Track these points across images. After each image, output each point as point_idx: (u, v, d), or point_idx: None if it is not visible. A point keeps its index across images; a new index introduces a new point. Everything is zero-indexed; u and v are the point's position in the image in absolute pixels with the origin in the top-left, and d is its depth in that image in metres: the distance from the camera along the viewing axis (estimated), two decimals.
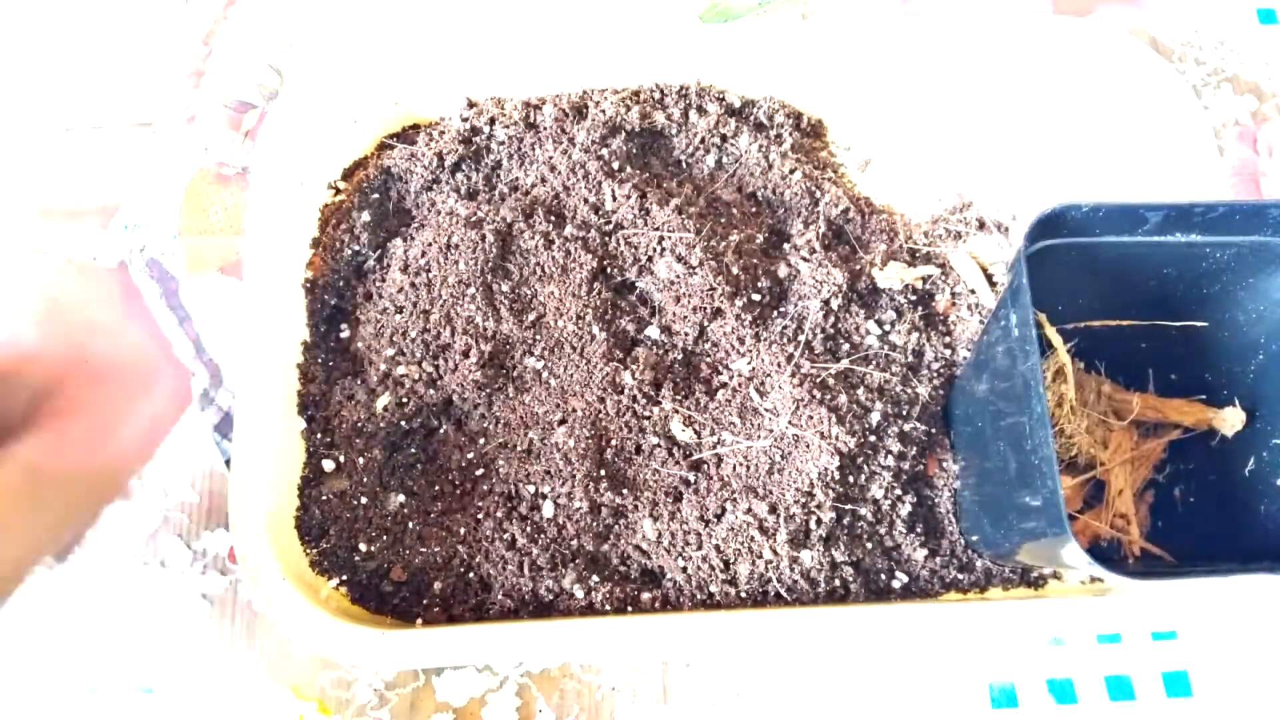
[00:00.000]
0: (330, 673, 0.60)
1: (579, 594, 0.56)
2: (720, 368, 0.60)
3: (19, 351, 0.64)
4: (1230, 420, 0.56)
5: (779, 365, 0.58)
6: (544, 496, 0.58)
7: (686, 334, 0.60)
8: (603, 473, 0.57)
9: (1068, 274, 0.52)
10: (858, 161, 0.68)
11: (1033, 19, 0.67)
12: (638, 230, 0.61)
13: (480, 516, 0.58)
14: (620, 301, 0.61)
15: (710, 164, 0.66)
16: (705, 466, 0.58)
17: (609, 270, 0.61)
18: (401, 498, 0.59)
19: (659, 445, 0.58)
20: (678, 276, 0.60)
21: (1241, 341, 0.55)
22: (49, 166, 0.70)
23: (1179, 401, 0.59)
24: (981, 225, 0.64)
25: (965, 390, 0.58)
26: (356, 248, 0.63)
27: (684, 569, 0.56)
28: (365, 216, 0.64)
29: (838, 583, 0.56)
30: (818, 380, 0.58)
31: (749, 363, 0.59)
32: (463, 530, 0.58)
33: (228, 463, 0.62)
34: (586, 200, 0.62)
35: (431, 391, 0.59)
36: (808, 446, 0.56)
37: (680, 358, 0.60)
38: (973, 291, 0.62)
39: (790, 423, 0.57)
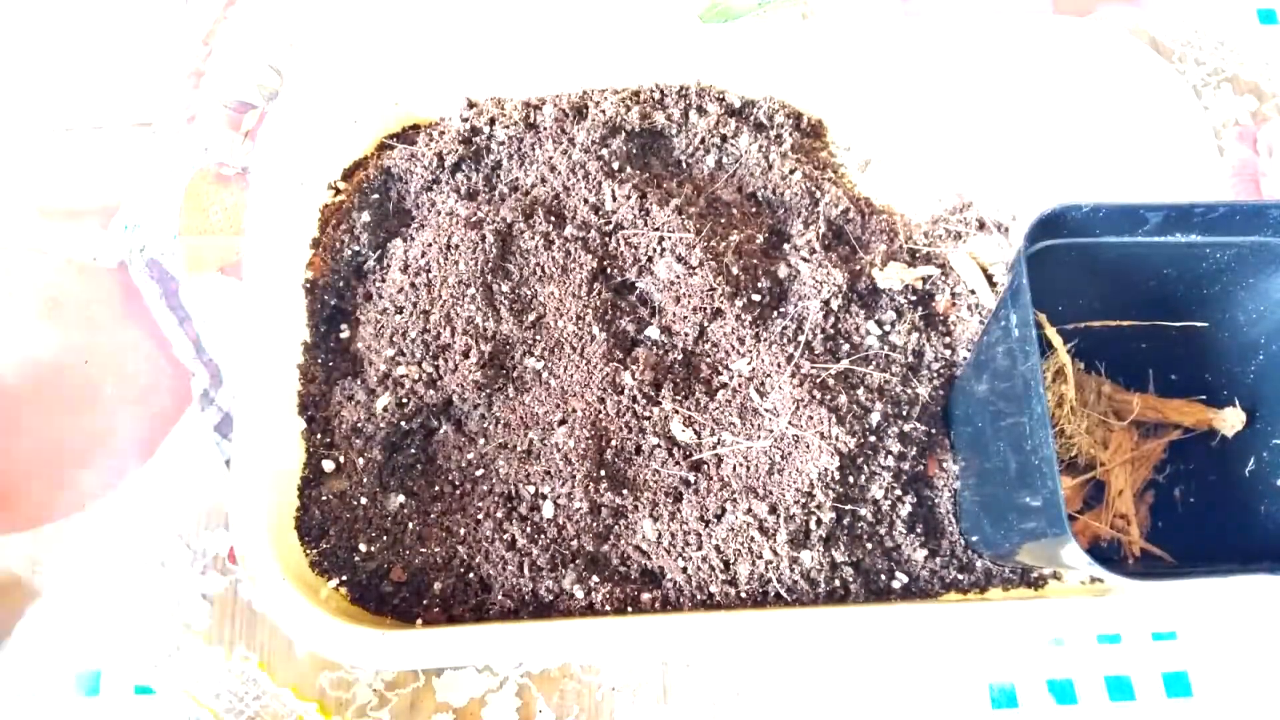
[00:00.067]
0: (330, 673, 0.59)
1: (579, 594, 0.56)
2: (720, 368, 0.60)
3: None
4: (1230, 420, 0.56)
5: (779, 365, 0.58)
6: (544, 497, 0.58)
7: (686, 334, 0.60)
8: (603, 473, 0.57)
9: (1068, 274, 0.52)
10: (858, 162, 0.68)
11: (1033, 19, 0.67)
12: (638, 230, 0.61)
13: (480, 517, 0.58)
14: (620, 302, 0.61)
15: (710, 164, 0.66)
16: (705, 467, 0.58)
17: (609, 270, 0.61)
18: (401, 498, 0.59)
19: (659, 445, 0.58)
20: (678, 277, 0.60)
21: (1241, 342, 0.55)
22: (49, 166, 0.70)
23: (1179, 402, 0.59)
24: (981, 225, 0.64)
25: (965, 390, 0.58)
26: (356, 248, 0.63)
27: (684, 569, 0.56)
28: (365, 217, 0.63)
29: (838, 583, 0.56)
30: (818, 380, 0.58)
31: (749, 363, 0.59)
32: (463, 531, 0.58)
33: (228, 463, 0.62)
34: (586, 200, 0.62)
35: (431, 392, 0.59)
36: (808, 447, 0.56)
37: (680, 358, 0.60)
38: (973, 292, 0.62)
39: (790, 423, 0.57)
